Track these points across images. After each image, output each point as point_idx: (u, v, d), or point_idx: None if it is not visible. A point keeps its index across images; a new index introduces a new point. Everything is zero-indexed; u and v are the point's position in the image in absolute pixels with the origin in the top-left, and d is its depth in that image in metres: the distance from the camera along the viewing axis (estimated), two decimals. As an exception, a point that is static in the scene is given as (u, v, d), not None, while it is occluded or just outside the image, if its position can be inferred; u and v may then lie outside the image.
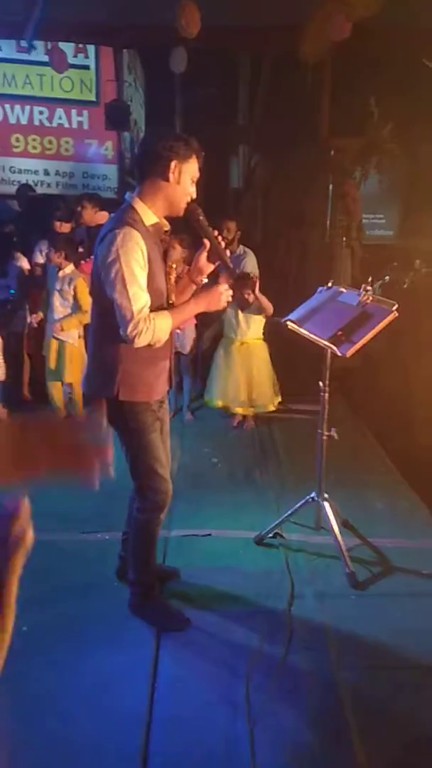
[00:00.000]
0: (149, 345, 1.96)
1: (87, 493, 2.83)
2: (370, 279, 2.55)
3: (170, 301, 2.14)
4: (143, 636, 2.21)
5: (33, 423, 0.75)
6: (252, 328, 4.38)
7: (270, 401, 4.41)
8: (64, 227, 4.82)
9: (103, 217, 4.66)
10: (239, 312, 4.31)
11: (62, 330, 4.19)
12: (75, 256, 4.29)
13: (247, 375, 4.38)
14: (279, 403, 4.46)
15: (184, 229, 3.26)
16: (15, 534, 0.68)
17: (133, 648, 2.16)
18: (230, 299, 2.14)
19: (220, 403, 4.45)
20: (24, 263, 4.73)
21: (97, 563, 2.64)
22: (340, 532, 2.70)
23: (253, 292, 4.06)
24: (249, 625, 2.29)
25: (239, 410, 4.44)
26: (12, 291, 4.64)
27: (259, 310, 4.26)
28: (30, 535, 0.70)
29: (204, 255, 2.14)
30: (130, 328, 1.90)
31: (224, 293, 2.08)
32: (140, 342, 1.92)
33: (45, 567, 2.61)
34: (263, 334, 4.45)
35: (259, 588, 2.53)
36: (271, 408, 4.43)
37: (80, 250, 4.48)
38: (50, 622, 2.27)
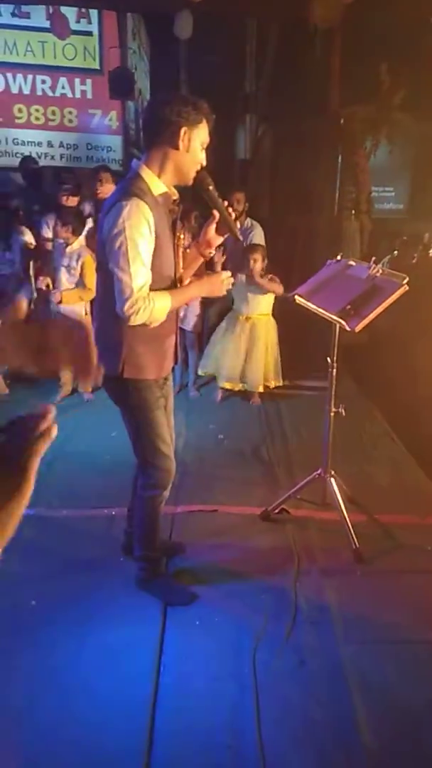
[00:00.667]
0: (145, 324, 1.91)
1: (92, 469, 2.84)
2: (373, 258, 2.47)
3: (178, 273, 2.08)
4: (150, 611, 2.22)
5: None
6: (262, 304, 4.33)
7: (260, 382, 4.36)
8: (71, 201, 4.73)
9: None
10: (247, 287, 4.26)
11: (61, 302, 4.13)
12: (83, 230, 4.22)
13: (246, 351, 4.34)
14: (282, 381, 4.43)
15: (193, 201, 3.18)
16: (43, 426, 0.81)
17: (140, 623, 2.17)
18: (231, 286, 2.10)
19: (202, 372, 4.47)
20: (29, 237, 4.66)
21: (103, 539, 2.65)
22: (346, 509, 2.69)
23: (262, 260, 4.03)
24: (255, 600, 2.30)
25: (227, 385, 4.40)
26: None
27: (266, 290, 4.22)
28: (54, 430, 0.81)
29: (213, 227, 2.08)
30: (127, 306, 1.85)
31: (226, 280, 2.04)
32: (136, 320, 1.87)
33: (52, 543, 2.64)
34: (273, 311, 4.40)
35: (265, 564, 2.54)
36: (260, 390, 4.39)
37: (89, 224, 4.41)
38: (57, 597, 2.29)
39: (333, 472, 2.80)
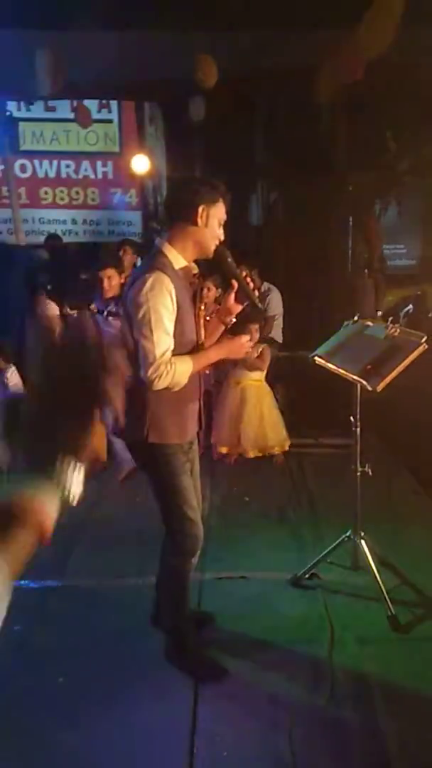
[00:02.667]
0: (168, 388, 1.97)
1: (120, 535, 2.83)
2: (390, 319, 2.53)
3: (200, 342, 2.16)
4: (180, 687, 2.14)
5: None
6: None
7: (276, 443, 4.36)
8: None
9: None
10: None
11: None
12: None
13: (237, 416, 4.35)
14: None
15: (214, 270, 3.33)
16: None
17: (171, 700, 2.10)
18: (250, 351, 2.16)
19: (224, 449, 4.41)
20: (54, 310, 4.85)
21: (131, 610, 2.60)
22: (379, 572, 2.61)
23: (262, 329, 4.11)
24: (289, 673, 2.21)
25: (222, 450, 4.39)
26: None
27: (254, 366, 4.28)
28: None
29: (232, 296, 2.17)
30: (150, 371, 1.92)
31: (246, 344, 2.12)
32: (159, 385, 1.94)
33: (80, 615, 2.60)
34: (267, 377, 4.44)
35: (298, 633, 2.46)
36: (277, 450, 4.38)
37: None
38: (85, 672, 2.24)
39: (363, 534, 2.74)
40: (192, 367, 2.01)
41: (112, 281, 4.08)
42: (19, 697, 2.13)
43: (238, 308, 2.20)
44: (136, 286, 1.97)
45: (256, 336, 4.24)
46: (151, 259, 2.04)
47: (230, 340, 2.14)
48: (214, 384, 4.56)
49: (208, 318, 2.30)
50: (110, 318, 3.95)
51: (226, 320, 2.23)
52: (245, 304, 2.19)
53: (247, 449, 4.36)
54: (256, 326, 4.20)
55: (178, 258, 2.05)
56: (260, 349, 4.32)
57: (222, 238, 2.10)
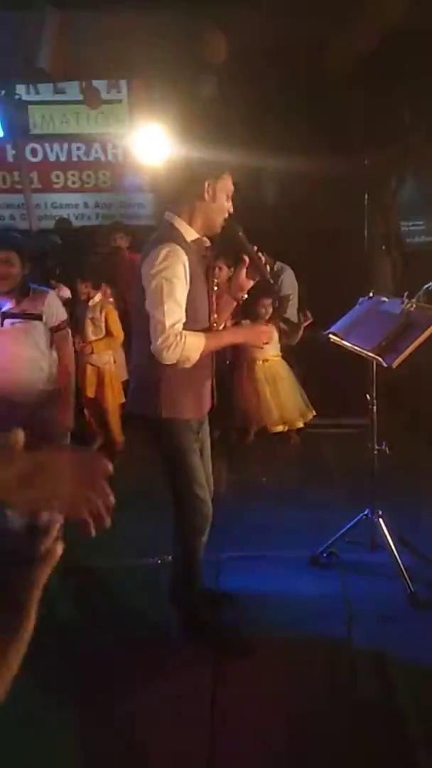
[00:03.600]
0: (176, 363, 1.95)
1: (134, 516, 2.81)
2: (406, 293, 2.46)
3: (212, 317, 2.13)
4: (200, 662, 2.16)
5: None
6: (273, 346, 4.33)
7: (297, 417, 4.34)
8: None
9: None
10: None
11: (92, 352, 4.24)
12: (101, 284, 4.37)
13: (274, 393, 4.34)
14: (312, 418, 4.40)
15: (226, 248, 3.29)
16: (44, 550, 0.68)
17: (190, 677, 2.12)
18: (269, 340, 2.13)
19: (253, 429, 4.38)
20: (65, 293, 4.84)
21: (149, 589, 2.62)
22: (397, 550, 2.59)
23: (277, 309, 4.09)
24: (308, 651, 2.22)
25: (279, 428, 4.36)
26: None
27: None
28: (58, 552, 0.70)
29: (244, 271, 2.13)
30: (160, 341, 1.90)
31: (264, 334, 2.11)
32: (168, 357, 1.91)
33: (98, 595, 2.63)
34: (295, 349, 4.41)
35: (317, 611, 2.46)
36: (300, 424, 4.36)
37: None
38: (106, 650, 2.27)
39: (380, 512, 2.72)
40: (204, 344, 1.98)
41: (11, 269, 2.66)
42: (43, 674, 2.16)
43: (250, 284, 2.17)
44: (149, 257, 1.95)
45: (270, 311, 4.21)
46: (162, 232, 2.01)
47: (250, 327, 2.13)
48: (229, 364, 4.53)
49: (219, 295, 2.27)
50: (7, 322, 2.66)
51: (238, 296, 2.20)
52: (257, 279, 2.16)
53: (269, 424, 4.34)
54: (269, 301, 4.17)
55: (189, 230, 2.02)
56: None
57: (231, 211, 2.06)
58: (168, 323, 1.89)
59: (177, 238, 1.97)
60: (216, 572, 2.69)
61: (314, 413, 4.40)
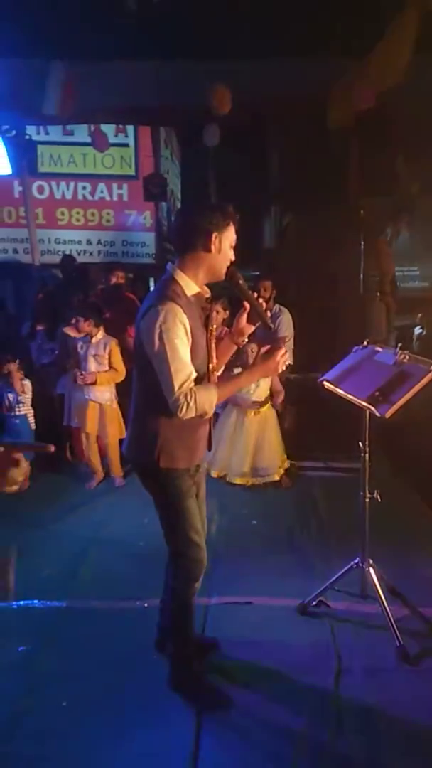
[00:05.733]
0: (198, 417, 1.96)
1: (126, 557, 2.81)
2: (399, 345, 2.52)
3: (210, 364, 2.16)
4: (183, 716, 2.11)
5: None
6: (263, 393, 4.37)
7: (276, 471, 4.35)
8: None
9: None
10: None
11: (96, 383, 4.27)
12: (102, 321, 4.45)
13: (256, 444, 4.34)
14: (290, 465, 4.42)
15: (223, 291, 3.36)
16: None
17: (173, 730, 2.06)
18: (285, 366, 2.13)
19: (215, 474, 4.36)
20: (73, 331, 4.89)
21: (136, 633, 2.57)
22: (388, 601, 2.57)
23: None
24: (294, 704, 2.17)
25: (237, 480, 4.35)
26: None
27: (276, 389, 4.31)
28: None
29: (244, 317, 2.17)
30: (171, 403, 1.93)
31: (281, 360, 2.07)
32: (185, 415, 1.93)
33: (84, 637, 2.58)
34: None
35: (304, 662, 2.41)
36: (276, 477, 4.35)
37: (106, 315, 4.64)
38: (88, 697, 2.21)
39: (371, 561, 2.70)
40: (217, 396, 1.99)
41: None
42: (20, 720, 2.11)
43: (251, 329, 2.21)
44: (149, 316, 1.96)
45: (254, 355, 4.23)
46: (163, 287, 2.03)
47: (264, 360, 2.10)
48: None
49: (219, 339, 2.30)
50: None
51: (239, 341, 2.23)
52: (257, 324, 2.20)
53: (233, 476, 4.35)
54: (254, 346, 4.18)
55: (189, 284, 2.05)
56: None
57: (233, 258, 2.11)
58: (176, 385, 1.91)
59: (176, 296, 1.99)
60: (203, 618, 2.65)
61: (288, 464, 4.41)
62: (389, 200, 6.45)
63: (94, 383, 4.29)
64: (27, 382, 4.49)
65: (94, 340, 4.37)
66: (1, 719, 2.10)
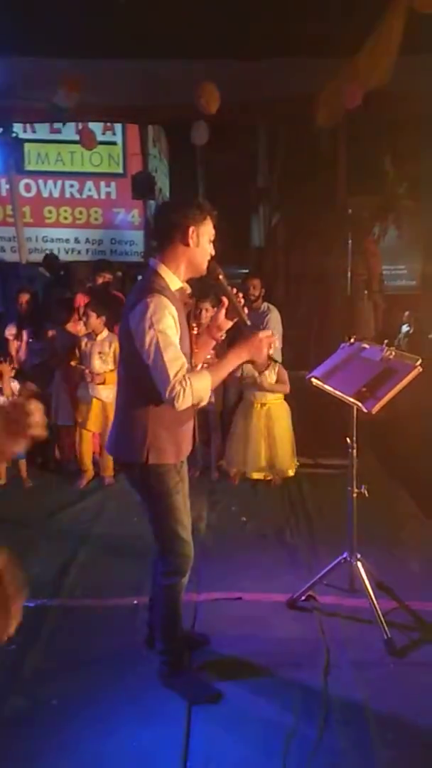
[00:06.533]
0: (195, 405, 1.97)
1: (115, 555, 2.82)
2: (386, 341, 2.55)
3: (193, 360, 2.17)
4: (174, 710, 2.12)
5: None
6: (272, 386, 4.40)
7: (289, 466, 4.40)
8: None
9: None
10: (257, 373, 4.36)
11: (104, 382, 4.27)
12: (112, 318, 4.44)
13: (268, 440, 4.37)
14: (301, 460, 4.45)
15: (212, 289, 3.37)
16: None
17: (164, 723, 2.07)
18: (271, 347, 2.13)
19: (233, 472, 4.43)
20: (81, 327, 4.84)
21: (125, 631, 2.59)
22: (376, 595, 2.60)
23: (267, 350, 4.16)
24: (283, 697, 2.19)
25: (255, 475, 4.40)
26: None
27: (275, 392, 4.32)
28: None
29: (222, 312, 2.19)
30: (167, 393, 1.93)
31: (264, 340, 2.08)
32: (182, 404, 1.93)
33: (74, 635, 2.58)
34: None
35: (293, 656, 2.43)
36: (291, 473, 4.40)
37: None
38: (79, 694, 2.22)
39: (359, 556, 2.73)
40: (210, 381, 2.00)
41: None
42: (11, 719, 2.11)
43: (229, 324, 2.23)
44: (137, 309, 1.97)
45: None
46: (148, 282, 2.05)
47: (246, 340, 2.09)
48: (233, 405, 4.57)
49: (198, 334, 2.32)
50: None
51: (217, 336, 2.25)
52: (235, 320, 2.21)
53: (250, 471, 4.37)
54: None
55: (173, 279, 2.08)
56: (276, 369, 4.35)
57: (213, 253, 2.13)
58: (171, 374, 1.92)
59: (162, 289, 2.01)
60: (192, 614, 2.66)
61: (297, 464, 4.46)
62: (377, 199, 6.50)
63: (103, 383, 4.29)
64: (15, 384, 4.46)
65: (99, 337, 4.36)
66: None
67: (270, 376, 4.36)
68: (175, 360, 1.94)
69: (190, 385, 1.93)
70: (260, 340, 2.07)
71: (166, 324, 1.95)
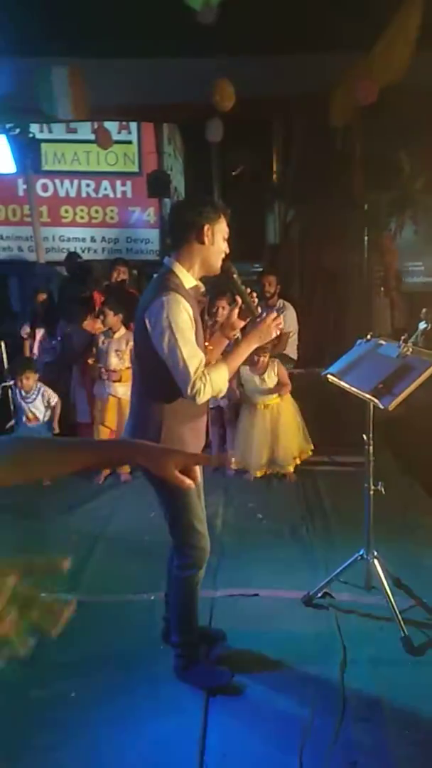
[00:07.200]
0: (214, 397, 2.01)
1: (132, 551, 2.85)
2: (403, 337, 2.53)
3: (206, 357, 2.19)
4: (191, 704, 2.15)
5: None
6: (270, 382, 4.40)
7: (291, 462, 4.39)
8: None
9: None
10: (257, 378, 4.36)
11: (121, 380, 4.32)
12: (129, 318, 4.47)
13: (271, 437, 4.38)
14: (312, 452, 4.46)
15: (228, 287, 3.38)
16: None
17: (181, 718, 2.10)
18: (279, 330, 2.15)
19: (234, 465, 4.47)
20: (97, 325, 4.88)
21: (143, 626, 2.61)
22: (392, 592, 2.59)
23: (275, 346, 4.18)
24: (300, 693, 2.20)
25: (258, 474, 4.42)
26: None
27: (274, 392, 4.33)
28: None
29: (236, 311, 2.20)
30: (188, 390, 1.96)
31: (272, 323, 2.10)
32: (202, 399, 1.97)
33: (92, 631, 2.60)
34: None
35: (310, 652, 2.44)
36: (291, 469, 4.40)
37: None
38: (97, 688, 2.25)
39: (376, 553, 2.72)
40: (227, 371, 2.04)
41: None
42: (30, 712, 2.14)
43: (242, 324, 2.24)
44: (153, 306, 1.99)
45: (267, 359, 4.31)
46: (163, 279, 2.07)
47: (255, 326, 2.12)
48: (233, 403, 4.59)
49: (211, 333, 2.34)
50: None
51: (230, 335, 2.26)
52: (248, 320, 2.22)
53: (254, 470, 4.40)
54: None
55: (188, 277, 2.09)
56: (275, 370, 4.36)
57: (227, 251, 2.14)
58: (192, 370, 1.94)
59: (177, 287, 2.03)
60: (209, 610, 2.68)
61: (312, 448, 4.44)
62: (393, 195, 6.44)
63: (119, 380, 4.33)
64: (48, 391, 4.45)
65: (116, 335, 4.40)
66: (12, 712, 2.14)
67: (270, 379, 4.35)
68: (193, 357, 1.96)
69: (210, 379, 1.96)
70: (268, 324, 2.09)
71: (183, 321, 1.97)
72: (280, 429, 4.39)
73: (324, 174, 6.67)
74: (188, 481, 1.10)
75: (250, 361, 4.25)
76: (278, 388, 4.37)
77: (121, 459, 1.35)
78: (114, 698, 2.19)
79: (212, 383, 1.96)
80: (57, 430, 4.39)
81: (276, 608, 2.76)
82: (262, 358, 4.28)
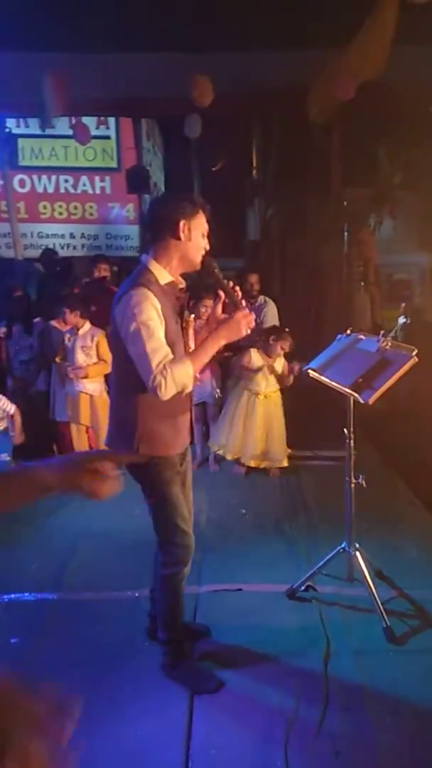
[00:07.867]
0: (180, 393, 1.98)
1: (116, 548, 2.83)
2: (382, 332, 2.56)
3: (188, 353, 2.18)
4: (176, 699, 2.15)
5: None
6: (272, 380, 4.43)
7: (284, 456, 4.43)
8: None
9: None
10: (265, 367, 4.37)
11: (87, 376, 4.28)
12: (89, 313, 4.44)
13: (266, 429, 4.40)
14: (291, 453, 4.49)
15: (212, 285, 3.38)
16: (57, 729, 0.72)
17: (166, 713, 2.10)
18: (251, 327, 2.10)
19: (230, 456, 4.45)
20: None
21: (127, 623, 2.61)
22: (374, 584, 2.63)
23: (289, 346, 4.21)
24: (284, 685, 2.22)
25: (252, 463, 4.43)
26: None
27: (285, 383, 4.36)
28: (68, 733, 0.73)
29: (220, 306, 2.19)
30: (150, 382, 1.94)
31: (242, 320, 2.05)
32: (165, 394, 1.93)
33: (76, 628, 2.60)
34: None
35: (293, 645, 2.46)
36: (285, 464, 4.43)
37: (93, 308, 4.63)
38: (81, 686, 2.23)
39: (357, 546, 2.76)
40: (192, 367, 1.99)
41: None
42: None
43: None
44: (122, 302, 2.00)
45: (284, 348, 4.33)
46: (137, 276, 2.06)
47: (224, 322, 2.06)
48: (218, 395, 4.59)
49: (196, 331, 2.33)
50: None
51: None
52: (233, 314, 2.21)
53: (247, 459, 4.39)
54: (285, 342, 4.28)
55: (163, 273, 2.08)
56: (282, 362, 4.37)
57: (207, 248, 2.13)
58: (154, 364, 1.93)
59: (149, 282, 2.01)
60: (194, 605, 2.69)
61: (288, 452, 4.49)
62: (371, 191, 6.50)
63: (86, 377, 4.31)
64: (3, 400, 4.09)
65: (80, 331, 4.38)
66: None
67: (278, 365, 4.39)
68: (156, 350, 1.94)
69: (171, 373, 1.93)
70: (238, 321, 2.04)
71: (149, 315, 1.96)
72: (274, 423, 4.41)
73: (303, 170, 6.71)
74: (104, 492, 1.02)
75: (265, 347, 4.27)
76: (286, 378, 4.37)
77: (39, 487, 1.05)
78: (98, 695, 2.19)
79: (174, 378, 1.93)
80: (21, 439, 4.10)
81: (260, 602, 2.78)
82: (281, 347, 4.26)
